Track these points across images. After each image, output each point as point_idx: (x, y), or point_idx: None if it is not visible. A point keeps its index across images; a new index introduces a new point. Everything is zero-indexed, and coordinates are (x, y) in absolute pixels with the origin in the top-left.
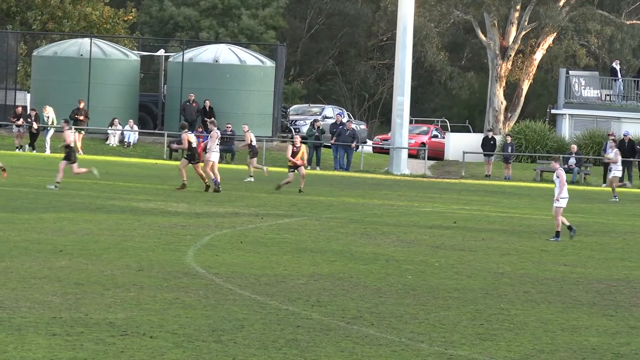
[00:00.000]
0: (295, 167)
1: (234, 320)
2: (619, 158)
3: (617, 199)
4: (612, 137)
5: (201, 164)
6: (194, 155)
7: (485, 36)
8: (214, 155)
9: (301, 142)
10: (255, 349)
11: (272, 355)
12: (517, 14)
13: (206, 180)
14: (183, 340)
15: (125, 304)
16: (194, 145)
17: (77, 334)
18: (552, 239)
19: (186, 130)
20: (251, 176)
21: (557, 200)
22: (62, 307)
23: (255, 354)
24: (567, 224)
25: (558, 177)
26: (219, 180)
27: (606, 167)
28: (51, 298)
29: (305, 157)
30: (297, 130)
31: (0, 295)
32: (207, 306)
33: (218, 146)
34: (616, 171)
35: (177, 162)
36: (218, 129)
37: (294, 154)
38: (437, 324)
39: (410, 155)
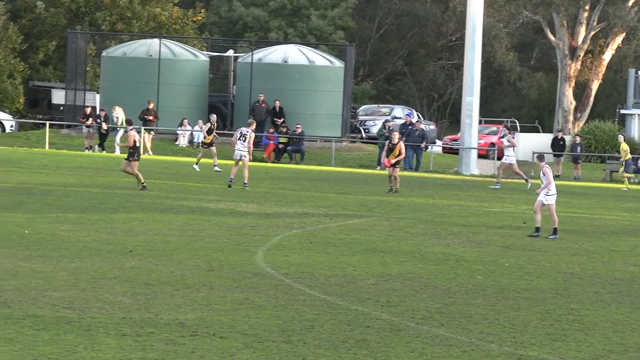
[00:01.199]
0: (392, 165)
1: (303, 320)
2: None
3: (499, 187)
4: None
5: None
6: (133, 154)
7: (554, 36)
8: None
9: (399, 140)
10: (325, 350)
11: (342, 356)
12: (586, 14)
13: (142, 181)
14: (253, 340)
15: (195, 305)
16: (138, 144)
17: (147, 334)
18: (534, 234)
19: (132, 127)
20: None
21: (543, 195)
22: (132, 307)
23: (325, 355)
24: (555, 225)
25: (544, 174)
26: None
27: None
28: (121, 298)
29: (402, 155)
30: (366, 130)
31: (70, 295)
32: (277, 306)
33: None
34: (509, 157)
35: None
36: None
37: (390, 151)
38: (507, 325)
39: (479, 156)
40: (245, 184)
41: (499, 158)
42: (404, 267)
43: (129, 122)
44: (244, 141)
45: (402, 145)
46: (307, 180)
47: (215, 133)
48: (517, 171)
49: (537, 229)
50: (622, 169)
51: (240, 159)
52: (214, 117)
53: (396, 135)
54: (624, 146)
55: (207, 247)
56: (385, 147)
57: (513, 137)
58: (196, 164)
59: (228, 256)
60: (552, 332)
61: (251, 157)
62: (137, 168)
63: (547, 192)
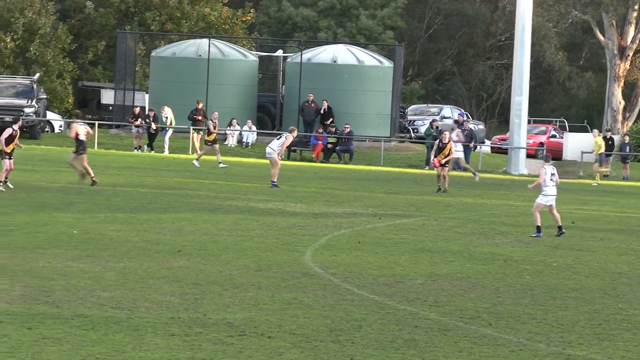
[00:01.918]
0: (441, 165)
1: (352, 320)
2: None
3: (478, 178)
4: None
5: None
6: (78, 148)
7: (604, 36)
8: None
9: (449, 140)
10: (373, 349)
11: (390, 356)
12: (635, 14)
13: (92, 176)
14: (301, 340)
15: (244, 304)
16: (81, 137)
17: (196, 334)
18: (534, 235)
19: (78, 120)
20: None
21: (540, 196)
22: (181, 307)
23: (373, 354)
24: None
25: (541, 174)
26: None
27: None
28: (169, 298)
29: (452, 155)
30: (415, 130)
31: (119, 295)
32: (325, 306)
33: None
34: (457, 152)
35: (296, 163)
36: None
37: (439, 150)
38: (555, 324)
39: (528, 155)
40: (273, 182)
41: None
42: (452, 267)
43: (77, 114)
44: (278, 140)
45: (452, 145)
46: (356, 180)
47: (224, 131)
48: (465, 165)
49: (538, 228)
50: (596, 164)
51: (268, 157)
52: (215, 114)
53: (447, 135)
54: (599, 140)
55: (255, 247)
56: (435, 147)
57: (463, 132)
58: (196, 160)
59: (276, 256)
60: (600, 332)
61: (280, 157)
62: (86, 162)
63: (544, 193)
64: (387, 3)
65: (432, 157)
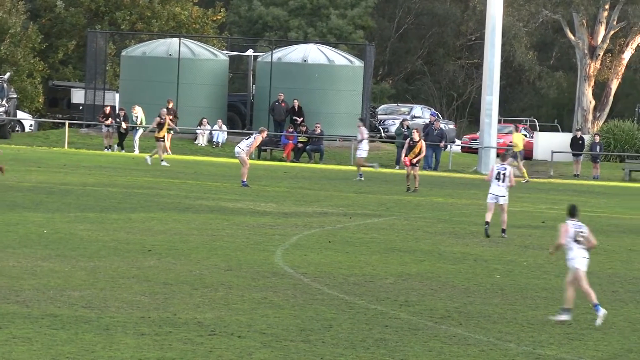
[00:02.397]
0: (411, 164)
1: (322, 320)
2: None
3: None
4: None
5: None
6: None
7: (574, 35)
8: None
9: (420, 138)
10: (343, 349)
11: (360, 355)
12: (605, 13)
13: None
14: (271, 339)
15: (214, 304)
16: None
17: (166, 333)
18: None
19: None
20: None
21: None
22: (151, 306)
23: (343, 354)
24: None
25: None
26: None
27: None
28: (139, 298)
29: (423, 154)
30: (385, 129)
31: (89, 295)
32: (295, 306)
33: None
34: (361, 151)
35: (267, 162)
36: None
37: (410, 149)
38: (525, 324)
39: (498, 155)
40: (243, 181)
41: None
42: (422, 267)
43: None
44: (247, 140)
45: (422, 143)
46: (326, 179)
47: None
48: (362, 164)
49: (487, 223)
50: (517, 162)
51: (237, 157)
52: (163, 110)
53: (416, 133)
54: (516, 137)
55: (225, 247)
56: (406, 145)
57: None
58: (162, 160)
59: (247, 255)
60: (571, 332)
61: (248, 157)
62: None
63: (489, 191)
64: (358, 3)
65: (402, 156)
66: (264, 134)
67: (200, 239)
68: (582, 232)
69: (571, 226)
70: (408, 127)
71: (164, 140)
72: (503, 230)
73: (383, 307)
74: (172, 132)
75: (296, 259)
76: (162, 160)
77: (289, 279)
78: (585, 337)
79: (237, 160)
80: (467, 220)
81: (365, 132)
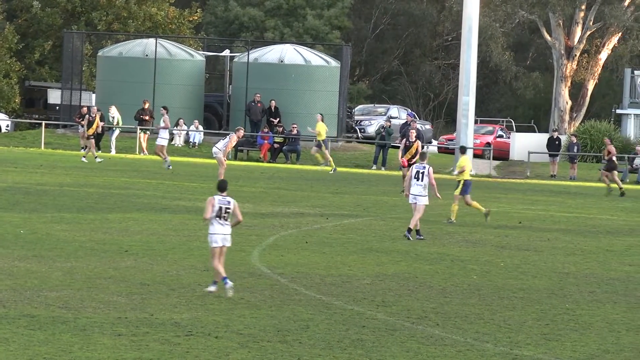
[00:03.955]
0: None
1: (299, 320)
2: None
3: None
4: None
5: None
6: None
7: (550, 36)
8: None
9: (416, 138)
10: (321, 349)
11: (337, 356)
12: (582, 14)
13: None
14: (248, 340)
15: (191, 304)
16: None
17: (143, 334)
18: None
19: None
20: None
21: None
22: (128, 307)
23: (321, 354)
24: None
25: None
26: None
27: None
28: (116, 298)
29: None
30: (362, 130)
31: (66, 295)
32: (272, 306)
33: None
34: (161, 139)
35: (243, 163)
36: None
37: (406, 149)
38: (503, 324)
39: (475, 155)
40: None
41: (495, 158)
42: (399, 267)
43: None
44: (224, 140)
45: (419, 143)
46: (303, 180)
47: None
48: (161, 152)
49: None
50: (315, 148)
51: (214, 157)
52: (94, 108)
53: (413, 134)
54: (319, 126)
55: (202, 247)
56: (402, 146)
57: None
58: (96, 157)
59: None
60: (548, 332)
61: (225, 157)
62: None
63: (411, 192)
64: (334, 3)
65: (399, 156)
66: (240, 133)
67: (177, 240)
68: (228, 207)
69: (217, 201)
70: (389, 127)
71: (94, 138)
72: (417, 232)
73: (360, 307)
74: (147, 132)
75: (273, 259)
76: (96, 157)
77: (265, 280)
78: (563, 337)
79: (214, 161)
80: (444, 221)
81: (167, 121)
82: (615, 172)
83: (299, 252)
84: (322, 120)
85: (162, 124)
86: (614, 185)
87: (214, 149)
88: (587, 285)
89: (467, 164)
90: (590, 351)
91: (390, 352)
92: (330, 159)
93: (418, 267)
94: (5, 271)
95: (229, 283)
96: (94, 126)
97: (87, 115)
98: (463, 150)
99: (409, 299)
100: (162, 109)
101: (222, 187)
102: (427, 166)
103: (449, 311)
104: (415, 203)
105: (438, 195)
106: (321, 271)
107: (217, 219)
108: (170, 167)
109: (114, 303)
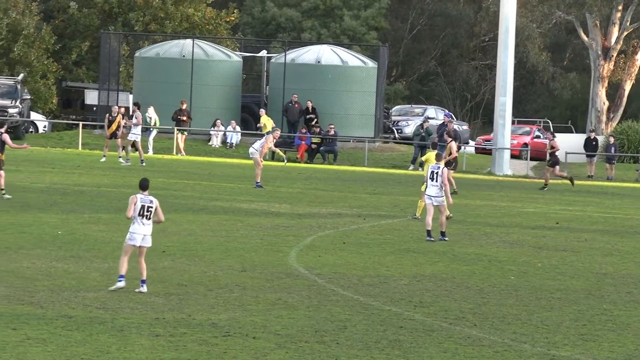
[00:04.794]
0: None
1: (336, 321)
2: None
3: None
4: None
5: None
6: None
7: (587, 37)
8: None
9: (451, 140)
10: (358, 350)
11: (375, 356)
12: (619, 14)
13: None
14: (286, 340)
15: (228, 305)
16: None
17: (180, 334)
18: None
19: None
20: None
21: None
22: (165, 307)
23: (358, 355)
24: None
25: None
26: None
27: None
28: (154, 299)
29: (454, 155)
30: (399, 130)
31: (103, 296)
32: (310, 307)
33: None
34: (133, 134)
35: (278, 163)
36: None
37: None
38: (540, 325)
39: (512, 156)
40: (257, 182)
41: (532, 158)
42: (436, 268)
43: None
44: (260, 140)
45: (453, 144)
46: (340, 180)
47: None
48: (133, 146)
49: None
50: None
51: (251, 158)
52: (115, 108)
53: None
54: (264, 119)
55: (240, 248)
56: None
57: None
58: (103, 156)
59: (261, 256)
60: (585, 333)
61: (262, 158)
62: None
63: (427, 192)
64: (371, 4)
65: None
66: (277, 134)
67: (214, 240)
68: (150, 206)
69: (139, 199)
70: (427, 129)
71: (116, 137)
72: (442, 233)
73: (397, 308)
74: (185, 133)
75: (310, 260)
76: (103, 157)
77: (303, 280)
78: (600, 338)
79: (251, 162)
80: (482, 222)
81: (140, 118)
82: None
83: (337, 253)
84: (266, 114)
85: (134, 121)
86: None
87: (251, 150)
88: (624, 286)
89: (431, 159)
90: (627, 351)
91: (428, 353)
92: (282, 153)
93: (455, 268)
94: (43, 272)
95: (144, 287)
96: (113, 126)
97: (107, 115)
98: (434, 146)
99: (447, 299)
100: (133, 105)
101: (143, 185)
102: (441, 166)
103: (487, 312)
104: (432, 203)
105: (449, 197)
106: (359, 272)
107: (139, 217)
108: (144, 164)
109: (151, 303)
